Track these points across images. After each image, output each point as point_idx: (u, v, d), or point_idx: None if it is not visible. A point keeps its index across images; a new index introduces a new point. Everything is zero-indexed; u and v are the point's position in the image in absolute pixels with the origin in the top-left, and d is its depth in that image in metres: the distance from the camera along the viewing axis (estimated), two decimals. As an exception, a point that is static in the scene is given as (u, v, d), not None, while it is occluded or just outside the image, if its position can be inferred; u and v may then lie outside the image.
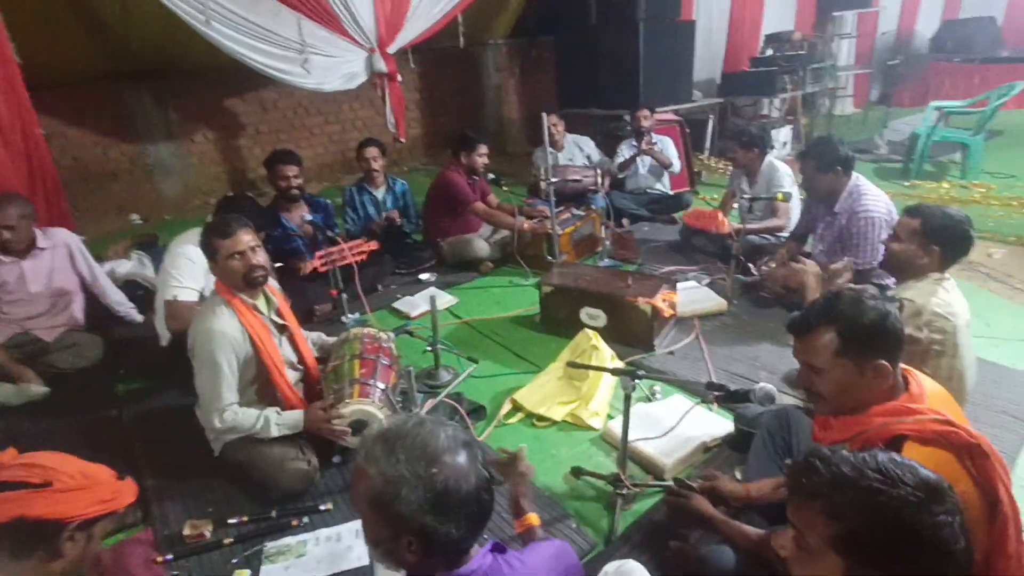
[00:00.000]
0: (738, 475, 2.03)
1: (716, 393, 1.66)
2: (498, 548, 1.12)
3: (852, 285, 2.77)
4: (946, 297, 1.98)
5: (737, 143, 3.92)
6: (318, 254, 3.25)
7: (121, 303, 3.43)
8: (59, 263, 3.11)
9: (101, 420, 2.73)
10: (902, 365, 1.37)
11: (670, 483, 1.83)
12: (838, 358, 1.33)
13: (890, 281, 2.88)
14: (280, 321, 2.35)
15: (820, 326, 1.35)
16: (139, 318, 3.47)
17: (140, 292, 3.79)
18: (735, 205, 4.18)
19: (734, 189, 4.16)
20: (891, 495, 0.85)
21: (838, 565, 0.88)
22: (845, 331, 1.32)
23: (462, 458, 1.00)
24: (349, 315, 3.45)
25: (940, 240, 2.00)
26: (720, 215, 3.71)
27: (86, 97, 5.52)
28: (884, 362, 1.29)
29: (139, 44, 5.04)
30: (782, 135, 7.06)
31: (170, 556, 1.89)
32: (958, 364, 1.96)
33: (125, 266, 4.05)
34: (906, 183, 5.79)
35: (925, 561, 0.84)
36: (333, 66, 5.06)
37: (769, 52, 7.71)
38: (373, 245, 3.50)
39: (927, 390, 1.32)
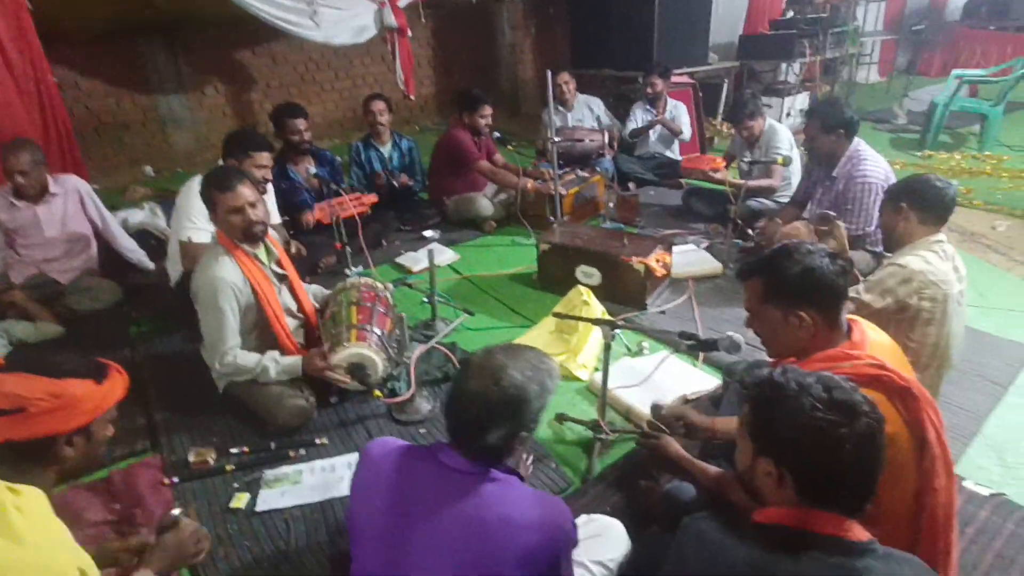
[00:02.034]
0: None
1: (688, 342, 1.73)
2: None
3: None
4: (940, 265, 2.00)
5: (746, 117, 3.82)
6: (318, 205, 3.32)
7: (133, 250, 3.54)
8: (71, 209, 3.21)
9: (114, 359, 2.83)
10: (853, 317, 1.45)
11: (643, 427, 1.93)
12: (765, 304, 1.44)
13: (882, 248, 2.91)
14: (280, 271, 2.44)
15: (755, 274, 1.45)
16: (151, 265, 3.58)
17: (152, 242, 3.91)
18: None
19: (733, 152, 4.15)
20: (796, 399, 0.98)
21: (750, 448, 1.04)
22: (771, 280, 1.42)
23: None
24: (352, 268, 3.54)
25: (902, 197, 2.06)
26: (718, 159, 3.70)
27: (98, 47, 5.54)
28: (804, 313, 1.37)
29: (150, -6, 5.05)
30: (798, 102, 6.93)
31: (176, 479, 2.04)
32: (945, 332, 2.00)
33: (138, 215, 4.16)
34: (918, 154, 5.71)
35: (815, 458, 0.96)
36: (343, 19, 5.05)
37: (790, 14, 7.51)
38: (373, 198, 3.57)
39: (869, 339, 1.39)
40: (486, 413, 1.17)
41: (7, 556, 0.94)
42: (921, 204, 2.04)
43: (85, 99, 5.63)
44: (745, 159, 3.88)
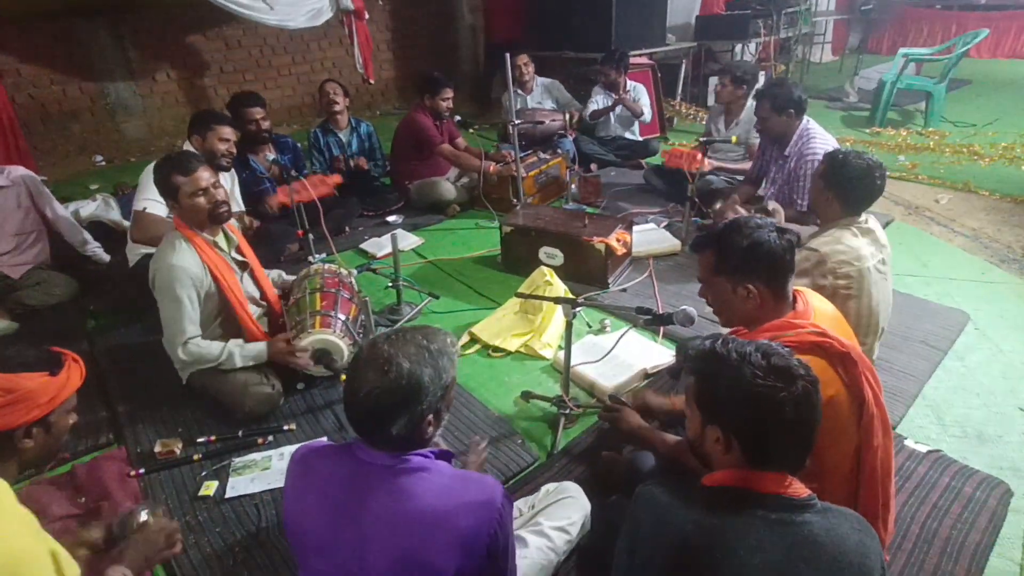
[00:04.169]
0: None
1: (644, 317, 1.80)
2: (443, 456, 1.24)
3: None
4: (853, 243, 2.04)
5: (729, 77, 3.89)
6: (280, 188, 3.29)
7: (86, 243, 3.44)
8: (20, 201, 3.11)
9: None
10: (800, 289, 1.52)
11: (605, 401, 2.00)
12: (715, 276, 1.51)
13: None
14: (240, 258, 2.42)
15: (708, 246, 1.52)
16: (106, 258, 3.49)
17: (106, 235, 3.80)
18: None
19: (709, 126, 4.21)
20: (738, 369, 1.04)
21: (698, 418, 1.10)
22: (721, 252, 1.49)
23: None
24: (315, 255, 3.51)
25: (833, 184, 2.07)
26: (699, 154, 3.77)
27: (38, 32, 5.32)
28: (752, 285, 1.45)
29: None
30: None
31: (142, 470, 2.03)
32: (865, 304, 2.07)
33: (89, 207, 4.04)
34: (867, 131, 5.90)
35: (758, 423, 1.02)
36: (298, 1, 4.94)
37: (745, -6, 7.62)
38: (337, 178, 3.53)
39: (814, 309, 1.47)
40: (380, 407, 1.11)
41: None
42: (847, 196, 2.06)
43: (28, 87, 5.40)
44: (703, 137, 3.95)
